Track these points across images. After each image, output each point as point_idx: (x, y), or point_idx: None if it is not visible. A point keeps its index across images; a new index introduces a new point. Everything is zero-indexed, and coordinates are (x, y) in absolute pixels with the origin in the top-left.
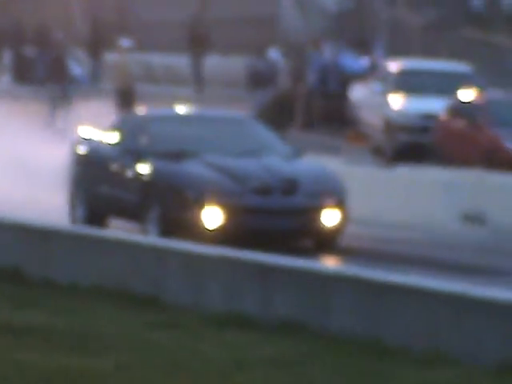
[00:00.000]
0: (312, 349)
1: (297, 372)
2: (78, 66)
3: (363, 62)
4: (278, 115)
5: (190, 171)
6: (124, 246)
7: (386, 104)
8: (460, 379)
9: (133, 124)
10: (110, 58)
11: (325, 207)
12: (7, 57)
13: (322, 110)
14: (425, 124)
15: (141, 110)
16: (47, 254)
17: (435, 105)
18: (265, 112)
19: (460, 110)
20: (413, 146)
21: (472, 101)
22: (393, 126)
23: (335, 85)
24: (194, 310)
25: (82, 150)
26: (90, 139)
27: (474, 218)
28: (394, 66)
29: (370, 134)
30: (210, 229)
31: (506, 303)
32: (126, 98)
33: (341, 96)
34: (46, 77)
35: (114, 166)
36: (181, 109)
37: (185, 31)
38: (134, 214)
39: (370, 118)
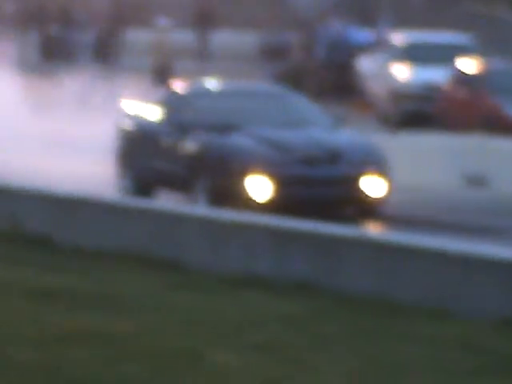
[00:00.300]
0: (325, 307)
1: (310, 329)
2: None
3: (369, 35)
4: (289, 86)
5: (236, 143)
6: (146, 213)
7: (392, 74)
8: (467, 333)
9: (177, 99)
10: (144, 36)
11: (368, 176)
12: (33, 37)
13: (330, 81)
14: (428, 93)
15: (182, 85)
16: (75, 221)
17: (438, 75)
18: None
19: (462, 79)
20: (417, 113)
21: (473, 70)
22: (398, 95)
23: (343, 57)
24: (212, 273)
25: (127, 125)
26: (134, 114)
27: (475, 181)
28: (398, 38)
29: (376, 103)
30: (258, 199)
31: (508, 261)
32: (163, 75)
33: (348, 68)
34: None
35: (161, 140)
36: (221, 83)
37: (193, 9)
38: (182, 185)
39: (376, 88)
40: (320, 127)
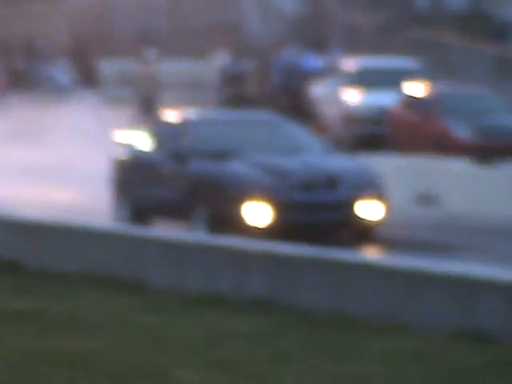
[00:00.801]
0: (284, 324)
1: (271, 345)
2: (63, 75)
3: (322, 61)
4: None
5: (235, 170)
6: (110, 236)
7: (343, 99)
8: (421, 346)
9: (172, 128)
10: (134, 67)
11: (366, 200)
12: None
13: (285, 107)
14: (379, 116)
15: (174, 114)
16: (43, 246)
17: (388, 98)
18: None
19: (411, 102)
20: (369, 136)
21: (422, 94)
22: (350, 119)
23: (297, 83)
24: (175, 293)
25: (122, 154)
26: (128, 144)
27: (426, 200)
28: (349, 64)
29: (330, 126)
30: (258, 226)
31: (458, 276)
32: (149, 105)
33: (302, 93)
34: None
35: (158, 169)
36: (216, 112)
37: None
38: (180, 213)
39: (329, 113)
40: (315, 153)
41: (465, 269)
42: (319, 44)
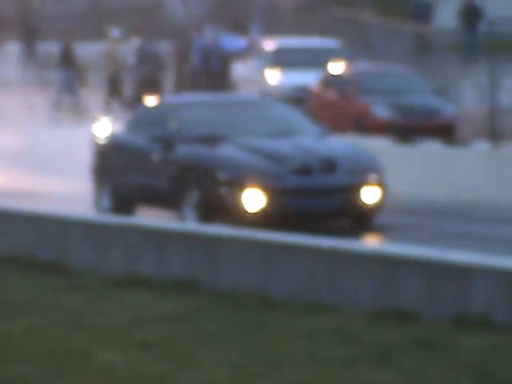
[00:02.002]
0: (205, 304)
1: (192, 326)
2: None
3: (241, 42)
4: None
5: (227, 154)
6: (31, 218)
7: (264, 79)
8: (341, 325)
9: (157, 112)
10: (98, 47)
11: (365, 185)
12: None
13: (206, 87)
14: (299, 95)
15: (160, 98)
16: None
17: (308, 78)
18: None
19: (331, 81)
20: None
21: (341, 73)
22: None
23: (217, 64)
24: (97, 274)
25: (103, 139)
26: (110, 129)
27: None
28: (269, 44)
29: None
30: (252, 212)
31: (379, 255)
32: (114, 85)
33: (222, 74)
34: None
35: (142, 155)
36: (201, 95)
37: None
38: (168, 201)
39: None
40: (309, 136)
41: (387, 248)
42: (239, 25)
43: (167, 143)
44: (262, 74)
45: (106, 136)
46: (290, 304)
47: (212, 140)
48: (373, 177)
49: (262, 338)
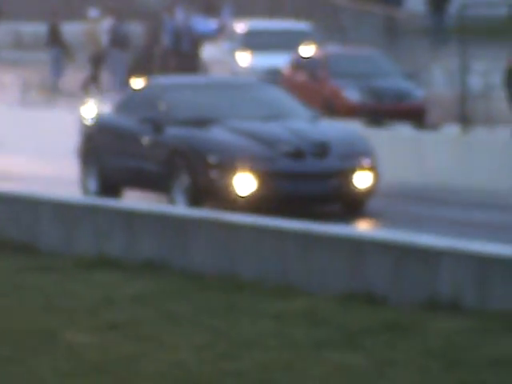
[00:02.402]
0: (174, 286)
1: (161, 307)
2: None
3: (213, 24)
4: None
5: (218, 137)
6: (1, 199)
7: (234, 61)
8: (312, 307)
9: (146, 94)
10: (80, 27)
11: (358, 169)
12: None
13: (176, 68)
14: (270, 78)
15: (146, 80)
16: None
17: (279, 60)
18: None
19: (302, 63)
20: None
21: (312, 55)
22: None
23: (188, 46)
24: (66, 255)
25: (90, 121)
26: (97, 111)
27: None
28: (240, 26)
29: None
30: (243, 195)
31: (348, 239)
32: (97, 64)
33: (193, 55)
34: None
35: (130, 137)
36: (188, 77)
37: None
38: (157, 184)
39: (221, 74)
40: (301, 119)
41: (356, 231)
42: (210, 7)
43: (157, 125)
44: (232, 56)
45: (93, 118)
46: (260, 286)
47: (202, 123)
48: (365, 161)
49: (230, 319)
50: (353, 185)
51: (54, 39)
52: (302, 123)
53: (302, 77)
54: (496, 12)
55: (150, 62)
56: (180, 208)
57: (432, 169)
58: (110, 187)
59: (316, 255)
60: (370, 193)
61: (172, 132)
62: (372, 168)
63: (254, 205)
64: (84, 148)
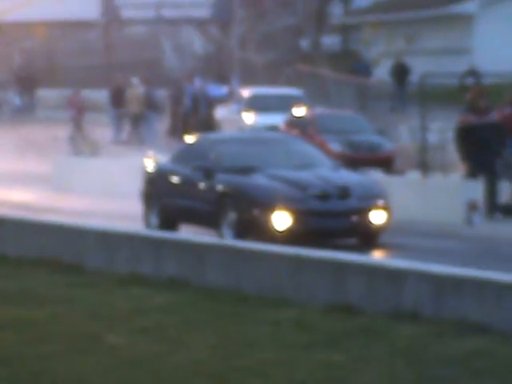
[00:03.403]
0: (193, 299)
1: (183, 315)
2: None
3: (224, 90)
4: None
5: (259, 183)
6: (56, 228)
7: (241, 120)
8: (299, 316)
9: (198, 147)
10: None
11: (374, 209)
12: None
13: (195, 126)
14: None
15: (197, 136)
16: (2, 235)
17: (277, 119)
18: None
19: (295, 122)
20: None
21: (303, 115)
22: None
23: (204, 107)
24: (106, 274)
25: (151, 169)
26: (157, 161)
27: None
28: (245, 92)
29: None
30: (280, 230)
31: (331, 260)
32: (137, 120)
33: (208, 115)
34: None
35: (186, 182)
36: (234, 132)
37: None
38: (208, 221)
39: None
40: (325, 167)
41: (337, 255)
42: (222, 76)
43: (208, 172)
44: (240, 115)
45: (153, 166)
46: (260, 299)
47: (245, 170)
48: (380, 202)
49: (236, 325)
50: (370, 222)
51: (117, 101)
52: (327, 171)
53: (295, 132)
54: (450, 81)
55: (174, 120)
56: (197, 236)
57: (399, 206)
58: (168, 223)
59: (305, 274)
60: (383, 228)
61: (221, 178)
62: (385, 207)
63: (289, 238)
64: (147, 190)
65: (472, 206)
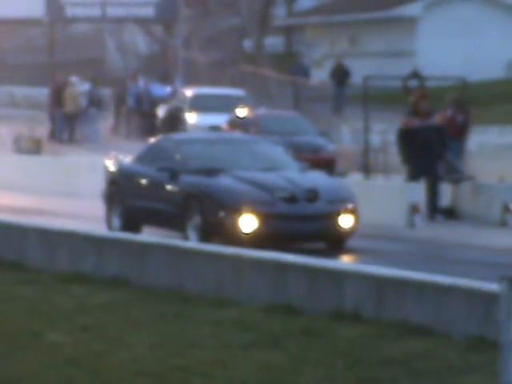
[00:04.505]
0: (134, 297)
1: (123, 313)
2: None
3: (167, 89)
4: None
5: (226, 184)
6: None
7: (185, 119)
8: (240, 316)
9: (164, 146)
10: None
11: (342, 212)
12: None
13: (138, 125)
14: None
15: (163, 136)
16: None
17: (219, 119)
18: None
19: (237, 122)
20: None
21: (246, 116)
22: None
23: (147, 107)
24: (47, 271)
25: (114, 169)
26: (120, 160)
27: None
28: (188, 91)
29: None
30: (246, 233)
31: (272, 261)
32: (73, 120)
33: (151, 115)
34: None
35: (150, 183)
36: (199, 133)
37: None
38: (172, 223)
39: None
40: (293, 170)
41: (278, 256)
42: (166, 76)
43: (173, 173)
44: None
45: (115, 166)
46: (201, 298)
47: (211, 172)
48: (349, 205)
49: (178, 325)
50: (338, 226)
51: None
52: (294, 173)
53: (237, 132)
54: (393, 84)
55: (117, 119)
56: (139, 235)
57: None
58: (131, 225)
59: (246, 274)
60: (352, 232)
61: (186, 179)
62: (354, 211)
63: (255, 241)
64: (109, 191)
65: (414, 209)
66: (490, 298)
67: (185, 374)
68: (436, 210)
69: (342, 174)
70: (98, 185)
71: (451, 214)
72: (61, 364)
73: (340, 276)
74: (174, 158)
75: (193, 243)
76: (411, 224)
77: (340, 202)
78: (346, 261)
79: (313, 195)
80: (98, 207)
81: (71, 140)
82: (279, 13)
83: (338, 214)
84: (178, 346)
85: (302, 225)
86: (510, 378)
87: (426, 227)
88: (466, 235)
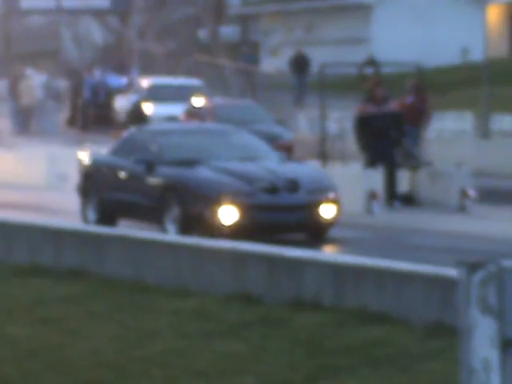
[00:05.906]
0: (93, 289)
1: (83, 306)
2: None
3: (123, 80)
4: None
5: (204, 175)
6: None
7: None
8: (199, 305)
9: (140, 138)
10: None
11: (323, 202)
12: None
13: (94, 116)
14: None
15: (139, 126)
16: None
17: (175, 109)
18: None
19: (194, 112)
20: None
21: (202, 105)
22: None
23: (103, 98)
24: (4, 264)
25: (89, 161)
26: (95, 151)
27: None
28: (145, 82)
29: None
30: (227, 225)
31: (231, 250)
32: (29, 112)
33: (107, 106)
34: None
35: (127, 175)
36: (176, 124)
37: None
38: (150, 216)
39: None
40: (272, 160)
41: (238, 245)
42: (121, 67)
43: (150, 165)
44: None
45: (90, 159)
46: (160, 289)
47: (189, 163)
48: (330, 195)
49: (137, 316)
50: (319, 216)
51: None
52: (274, 163)
53: (193, 122)
54: (349, 71)
55: (73, 111)
56: (97, 227)
57: None
58: (107, 218)
59: (205, 264)
60: (333, 222)
61: (163, 171)
62: (335, 201)
63: (236, 232)
64: (83, 184)
65: (372, 196)
66: (448, 284)
67: (145, 364)
68: (394, 197)
69: (300, 161)
70: (55, 176)
71: (409, 200)
72: (20, 357)
73: (299, 264)
74: (150, 149)
75: (150, 233)
76: (369, 211)
77: (321, 192)
78: (304, 249)
79: (293, 185)
80: (54, 199)
81: (27, 132)
82: (234, 2)
83: (320, 204)
84: (138, 337)
85: (283, 215)
86: (470, 363)
87: (385, 214)
88: (424, 221)
